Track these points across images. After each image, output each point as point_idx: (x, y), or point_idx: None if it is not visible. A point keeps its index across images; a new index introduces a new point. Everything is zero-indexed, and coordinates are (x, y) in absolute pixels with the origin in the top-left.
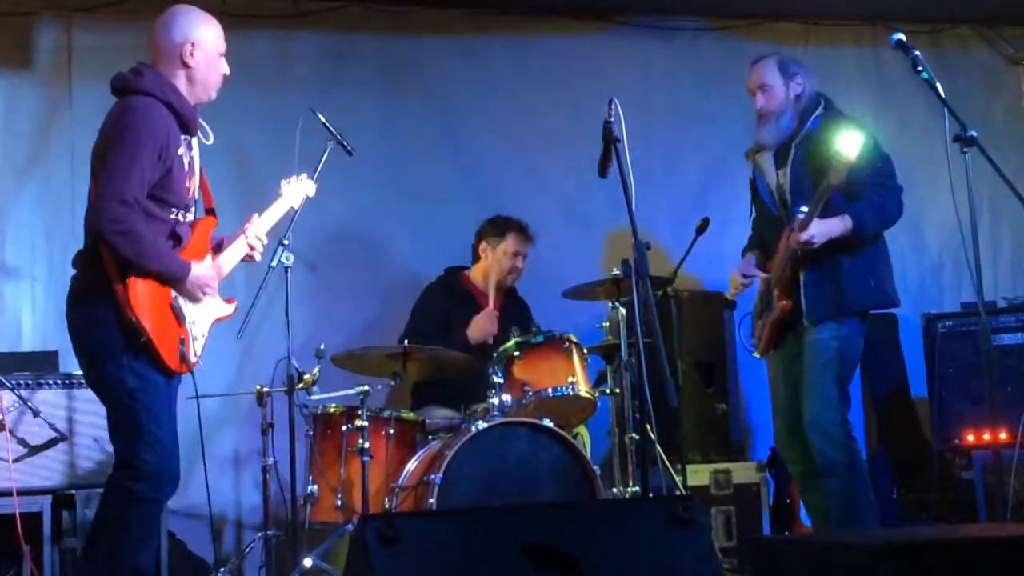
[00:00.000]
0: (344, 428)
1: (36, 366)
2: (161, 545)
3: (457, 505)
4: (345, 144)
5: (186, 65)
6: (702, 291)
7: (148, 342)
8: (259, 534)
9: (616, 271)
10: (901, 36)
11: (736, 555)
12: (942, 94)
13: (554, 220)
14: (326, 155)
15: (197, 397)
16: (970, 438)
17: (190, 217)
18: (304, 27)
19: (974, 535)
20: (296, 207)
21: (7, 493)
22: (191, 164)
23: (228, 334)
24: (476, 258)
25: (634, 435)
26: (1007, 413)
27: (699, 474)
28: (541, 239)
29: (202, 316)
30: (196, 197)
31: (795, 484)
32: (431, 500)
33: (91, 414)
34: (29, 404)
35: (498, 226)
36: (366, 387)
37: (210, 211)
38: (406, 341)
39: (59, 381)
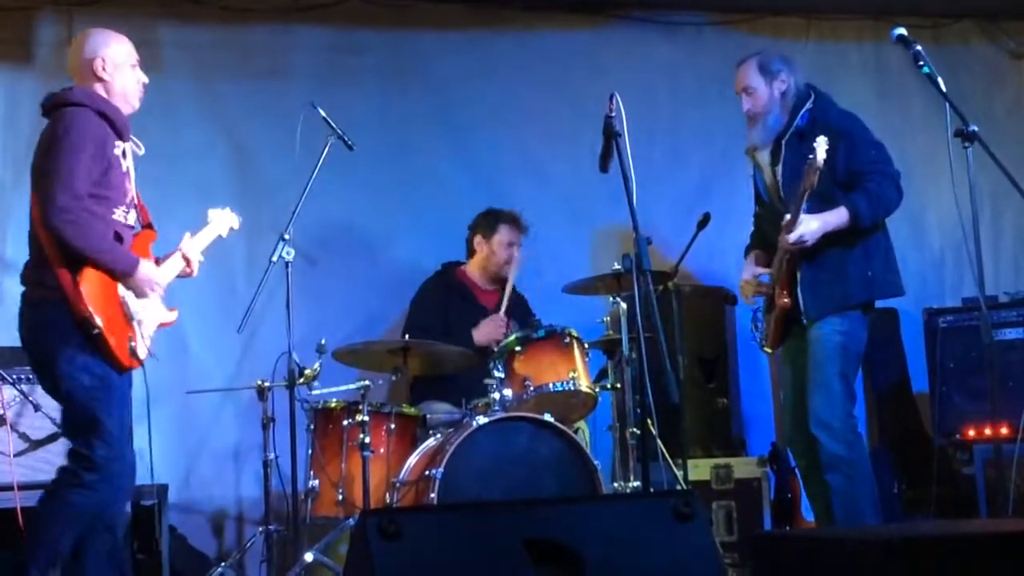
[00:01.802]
0: (345, 423)
1: None
2: (162, 539)
3: (458, 500)
4: (345, 139)
5: (100, 79)
6: (703, 286)
7: (100, 334)
8: (260, 529)
9: (617, 266)
10: (902, 31)
11: (737, 550)
12: (943, 89)
13: (555, 215)
14: (327, 149)
15: (209, 391)
16: (971, 433)
17: (131, 220)
18: (305, 21)
19: (975, 530)
20: (224, 235)
21: (8, 487)
22: (128, 168)
23: (229, 329)
24: (471, 252)
25: (635, 430)
26: (1008, 408)
27: (700, 469)
28: (542, 234)
29: (148, 317)
30: (135, 204)
31: (799, 477)
32: (432, 495)
33: None
34: (30, 399)
35: (490, 218)
36: (367, 382)
37: (148, 226)
38: (407, 336)
39: None
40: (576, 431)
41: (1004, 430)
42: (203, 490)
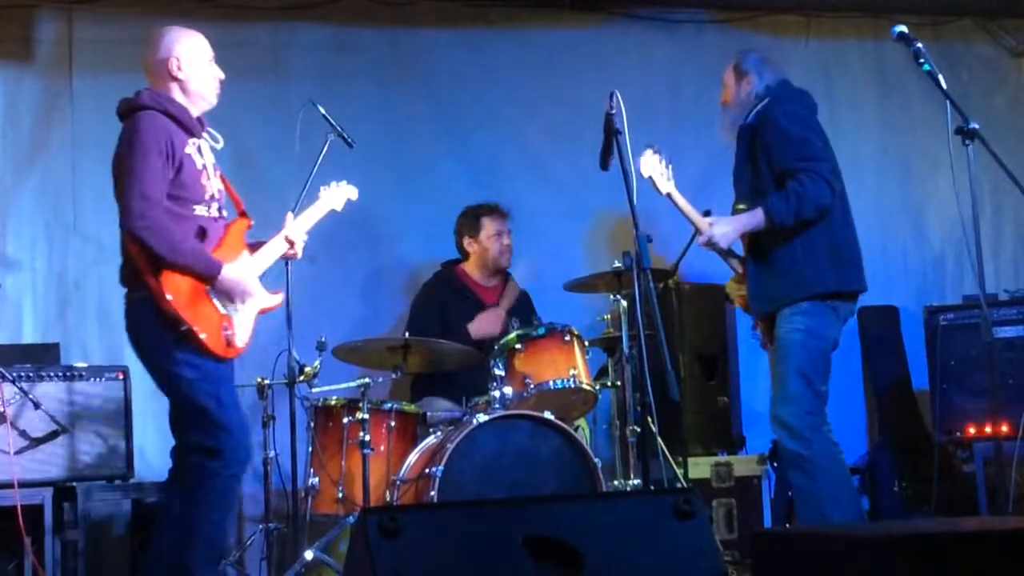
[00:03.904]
0: (345, 420)
1: (37, 358)
2: None
3: (458, 498)
4: (345, 136)
5: (175, 78)
6: (704, 284)
7: (189, 330)
8: (260, 526)
9: (617, 264)
10: (903, 29)
11: (737, 548)
12: (944, 87)
13: (555, 212)
14: (326, 147)
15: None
16: (971, 431)
17: (216, 214)
18: (305, 19)
19: (976, 528)
20: (339, 209)
21: (8, 485)
22: (204, 165)
23: None
24: (464, 254)
25: (635, 427)
26: (1008, 406)
27: (700, 467)
28: (542, 231)
29: (242, 306)
30: (218, 197)
31: None
32: (432, 493)
33: (92, 407)
34: (30, 396)
35: (470, 217)
36: (367, 379)
37: (243, 214)
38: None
39: (60, 373)
40: (576, 429)
41: (1004, 428)
42: None
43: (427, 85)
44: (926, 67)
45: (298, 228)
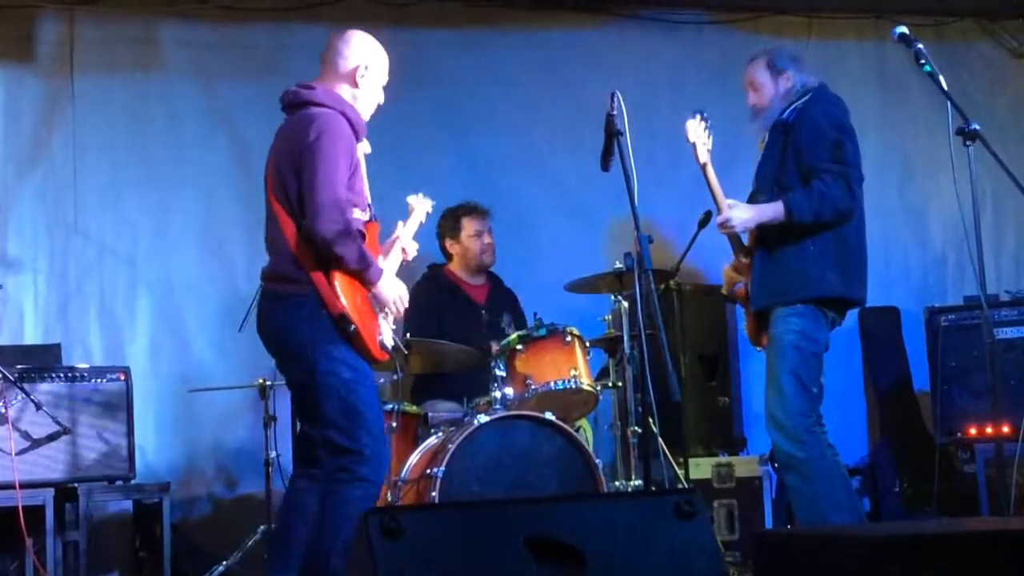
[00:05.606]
0: None
1: (38, 359)
2: (164, 537)
3: (459, 498)
4: None
5: (355, 85)
6: (705, 284)
7: (356, 331)
8: (261, 527)
9: (618, 264)
10: (904, 29)
11: (738, 548)
12: (945, 87)
13: (556, 213)
14: None
15: (210, 389)
16: (973, 432)
17: (366, 218)
18: (305, 19)
19: (976, 529)
20: (423, 221)
21: (10, 486)
22: (363, 172)
23: (230, 327)
24: (448, 256)
25: (636, 428)
26: (1010, 407)
27: (701, 467)
28: (544, 232)
29: (389, 311)
30: (370, 202)
31: None
32: (433, 493)
33: (93, 407)
34: (31, 397)
35: (450, 219)
36: None
37: (372, 218)
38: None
39: (61, 374)
40: (578, 429)
41: (1005, 429)
42: (205, 488)
43: (427, 85)
44: (927, 68)
45: (407, 236)
